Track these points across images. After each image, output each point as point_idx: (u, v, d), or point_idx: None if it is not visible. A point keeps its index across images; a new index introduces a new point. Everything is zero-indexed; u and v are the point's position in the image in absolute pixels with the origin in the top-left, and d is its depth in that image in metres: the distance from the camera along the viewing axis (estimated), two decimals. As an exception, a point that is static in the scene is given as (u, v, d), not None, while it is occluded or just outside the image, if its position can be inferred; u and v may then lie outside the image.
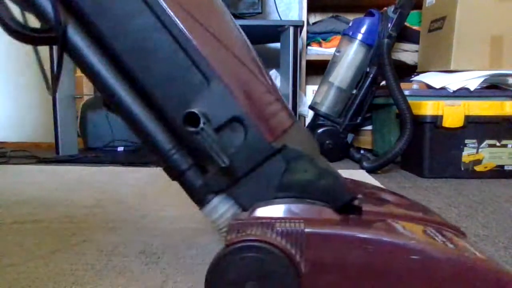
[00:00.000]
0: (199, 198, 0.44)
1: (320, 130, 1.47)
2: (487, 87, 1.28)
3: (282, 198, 0.43)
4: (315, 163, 0.43)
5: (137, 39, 0.41)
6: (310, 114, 1.63)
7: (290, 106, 1.42)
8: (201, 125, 0.38)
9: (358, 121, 1.49)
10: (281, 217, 0.41)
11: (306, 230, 0.38)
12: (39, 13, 0.40)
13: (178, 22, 0.41)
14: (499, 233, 0.68)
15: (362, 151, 1.57)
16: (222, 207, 0.43)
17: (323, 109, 1.49)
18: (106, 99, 0.43)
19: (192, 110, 0.38)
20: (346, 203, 0.44)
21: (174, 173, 0.44)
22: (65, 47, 0.41)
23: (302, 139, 0.49)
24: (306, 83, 1.76)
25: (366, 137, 1.64)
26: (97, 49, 0.42)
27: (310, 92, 1.75)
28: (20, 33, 0.40)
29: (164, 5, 0.41)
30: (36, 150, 1.78)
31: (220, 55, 0.43)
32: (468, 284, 0.37)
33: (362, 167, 1.26)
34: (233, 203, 0.44)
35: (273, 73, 1.61)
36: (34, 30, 0.42)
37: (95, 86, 0.42)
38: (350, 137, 1.50)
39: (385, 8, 1.42)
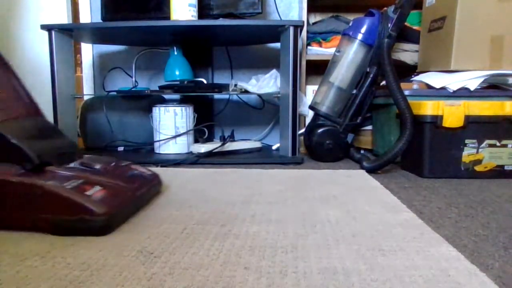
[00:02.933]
0: None
1: (320, 130, 1.47)
2: (487, 87, 1.27)
3: None
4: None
5: None
6: (310, 114, 1.63)
7: (290, 106, 1.41)
8: None
9: (358, 121, 1.49)
10: None
11: None
12: None
13: None
14: (499, 233, 0.68)
15: (362, 151, 1.57)
16: None
17: (323, 109, 1.49)
18: None
19: None
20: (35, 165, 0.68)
21: None
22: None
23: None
24: (306, 83, 1.76)
25: (366, 137, 1.64)
26: None
27: (310, 92, 1.75)
28: None
29: None
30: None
31: None
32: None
33: (362, 167, 1.26)
34: None
35: (273, 73, 1.61)
36: None
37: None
38: (350, 137, 1.50)
39: (385, 8, 1.42)
